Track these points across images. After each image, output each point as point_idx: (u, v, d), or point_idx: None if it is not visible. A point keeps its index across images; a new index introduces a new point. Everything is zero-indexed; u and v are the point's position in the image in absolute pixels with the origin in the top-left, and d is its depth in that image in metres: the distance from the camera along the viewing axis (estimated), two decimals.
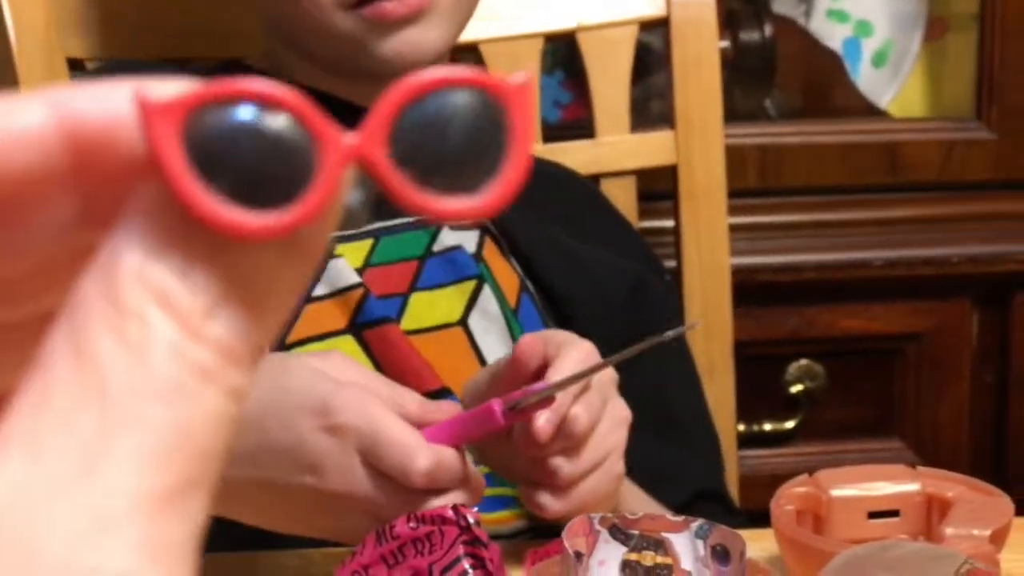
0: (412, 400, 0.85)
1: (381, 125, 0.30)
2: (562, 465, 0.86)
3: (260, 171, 0.28)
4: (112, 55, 1.25)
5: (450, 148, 0.30)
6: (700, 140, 1.36)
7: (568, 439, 0.85)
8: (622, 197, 1.36)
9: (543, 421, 0.82)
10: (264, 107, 0.29)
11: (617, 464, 0.91)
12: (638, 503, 1.02)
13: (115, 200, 0.29)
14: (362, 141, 0.30)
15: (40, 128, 0.29)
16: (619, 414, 0.91)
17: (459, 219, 0.30)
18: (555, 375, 0.83)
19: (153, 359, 0.28)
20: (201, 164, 0.28)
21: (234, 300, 0.29)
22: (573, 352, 0.86)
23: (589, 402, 0.86)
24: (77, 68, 1.24)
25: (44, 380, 0.28)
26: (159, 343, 0.28)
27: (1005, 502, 0.87)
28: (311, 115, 0.29)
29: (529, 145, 0.30)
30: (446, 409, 0.86)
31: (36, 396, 0.27)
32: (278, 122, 0.29)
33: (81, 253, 0.30)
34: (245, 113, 0.28)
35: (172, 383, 0.28)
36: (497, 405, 0.82)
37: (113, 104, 0.29)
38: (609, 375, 0.91)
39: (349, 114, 1.14)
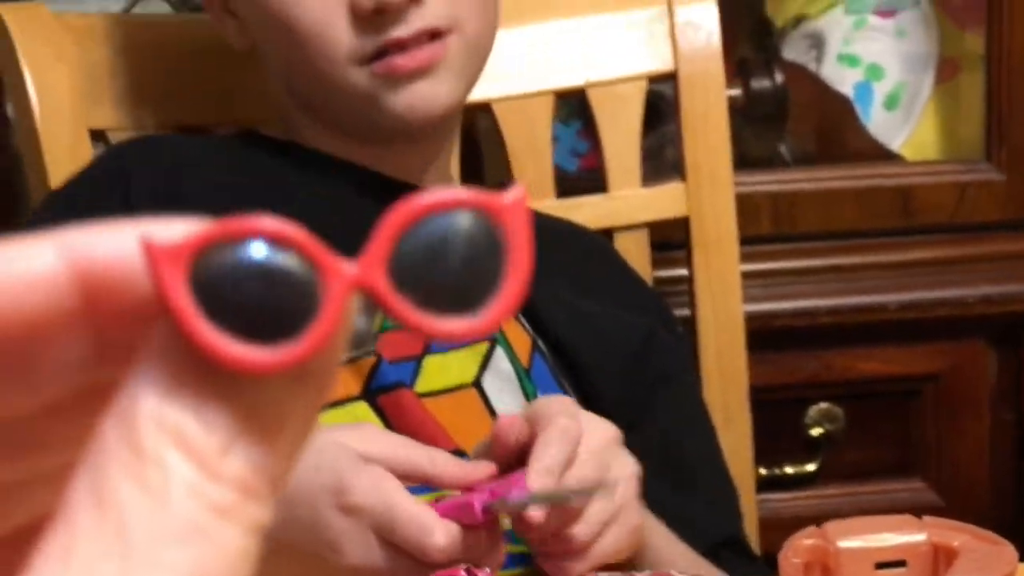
0: (447, 460, 0.88)
1: (381, 251, 0.30)
2: (574, 534, 0.87)
3: (267, 307, 0.29)
4: (134, 124, 1.28)
5: (449, 270, 0.30)
6: (710, 191, 1.38)
7: (567, 541, 0.87)
8: (635, 249, 1.38)
9: (534, 511, 0.84)
10: (266, 244, 0.29)
11: (633, 517, 0.92)
12: (665, 544, 1.03)
13: (129, 338, 0.30)
14: (363, 269, 0.30)
15: (51, 272, 0.29)
16: (626, 472, 0.93)
17: (460, 339, 0.30)
18: (535, 461, 0.85)
19: (172, 502, 0.28)
20: (209, 303, 0.29)
21: (249, 435, 0.29)
22: (553, 434, 0.87)
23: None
24: (99, 138, 1.27)
25: (69, 527, 0.28)
26: (178, 485, 0.28)
27: (1009, 551, 0.89)
28: (313, 248, 0.30)
29: (526, 262, 0.31)
30: (483, 469, 0.88)
31: (63, 540, 0.28)
32: (281, 258, 0.29)
33: (95, 390, 0.31)
34: (248, 252, 0.29)
35: (191, 524, 0.28)
36: (477, 501, 0.83)
37: (121, 246, 0.30)
38: (612, 433, 0.92)
39: (364, 179, 1.16)
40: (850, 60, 1.78)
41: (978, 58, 1.69)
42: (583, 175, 1.72)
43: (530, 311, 1.14)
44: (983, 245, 1.61)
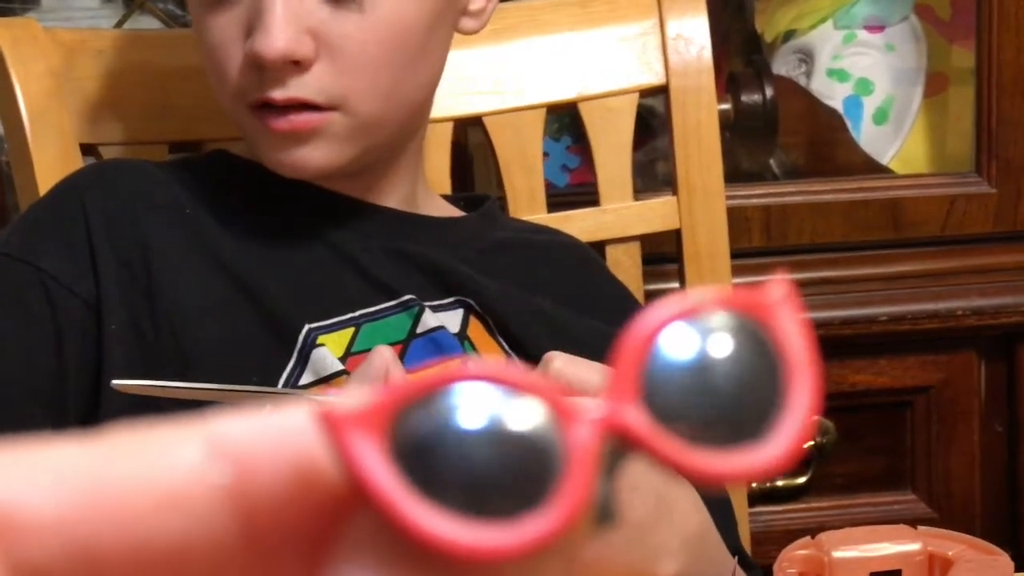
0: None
1: (630, 383, 0.24)
2: None
3: (496, 474, 0.23)
4: (125, 140, 1.28)
5: (718, 393, 0.25)
6: (702, 205, 1.38)
7: None
8: (627, 262, 1.38)
9: None
10: (487, 394, 0.23)
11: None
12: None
13: (313, 547, 0.24)
14: (613, 408, 0.24)
15: (197, 488, 0.23)
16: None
17: (756, 478, 0.25)
18: None
19: None
20: (421, 478, 0.23)
21: None
22: None
23: None
24: (90, 153, 1.27)
25: None
26: None
27: (1004, 560, 0.89)
28: (546, 391, 0.23)
29: (810, 364, 0.25)
30: None
31: None
32: (507, 409, 0.23)
33: None
34: (462, 406, 0.23)
35: None
36: None
37: (292, 438, 0.23)
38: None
39: (321, 199, 1.12)
40: (839, 75, 1.79)
41: (967, 72, 1.70)
42: (573, 190, 1.72)
43: (506, 327, 1.13)
44: (973, 257, 1.61)
